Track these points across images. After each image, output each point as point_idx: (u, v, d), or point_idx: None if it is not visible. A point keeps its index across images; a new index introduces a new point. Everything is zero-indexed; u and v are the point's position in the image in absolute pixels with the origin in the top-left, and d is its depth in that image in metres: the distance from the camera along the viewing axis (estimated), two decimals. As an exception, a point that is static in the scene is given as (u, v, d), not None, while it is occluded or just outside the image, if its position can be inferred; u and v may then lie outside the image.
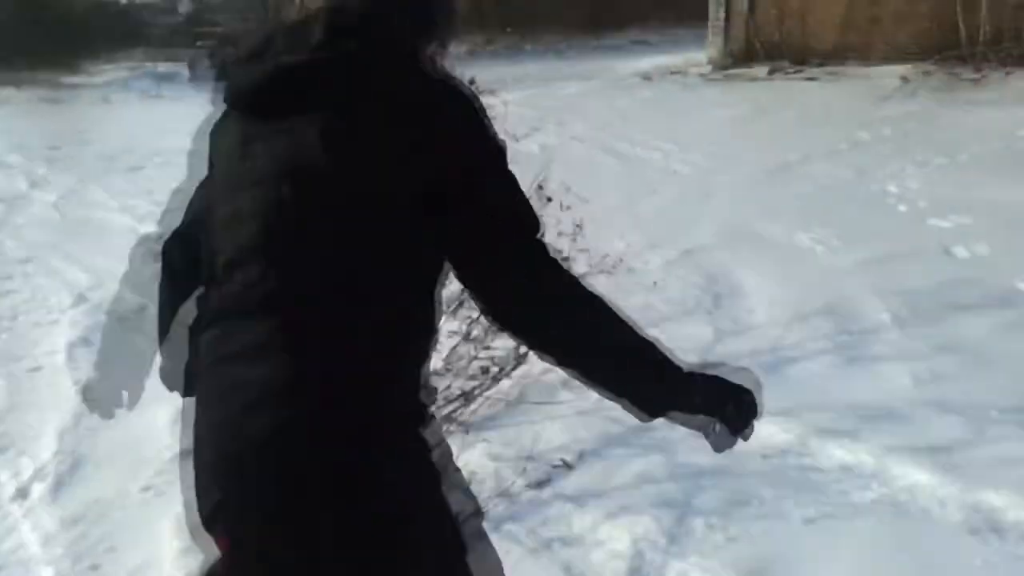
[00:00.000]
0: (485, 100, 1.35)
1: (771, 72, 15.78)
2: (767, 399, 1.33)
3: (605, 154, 9.02)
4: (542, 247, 1.28)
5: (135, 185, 8.59)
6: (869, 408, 3.14)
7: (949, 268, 4.72)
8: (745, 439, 1.32)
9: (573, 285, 1.27)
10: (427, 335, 1.30)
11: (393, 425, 1.22)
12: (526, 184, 1.63)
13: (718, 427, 1.29)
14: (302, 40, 1.27)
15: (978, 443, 2.91)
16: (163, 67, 22.25)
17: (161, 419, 3.35)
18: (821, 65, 15.62)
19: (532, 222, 1.29)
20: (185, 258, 1.47)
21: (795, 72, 15.47)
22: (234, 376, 1.20)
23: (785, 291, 4.40)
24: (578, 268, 5.05)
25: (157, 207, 7.52)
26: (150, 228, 6.66)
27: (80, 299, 5.06)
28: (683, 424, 1.32)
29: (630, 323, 1.27)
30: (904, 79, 12.27)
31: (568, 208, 6.75)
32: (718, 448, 1.33)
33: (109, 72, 21.64)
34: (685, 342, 3.72)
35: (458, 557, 1.25)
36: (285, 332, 1.18)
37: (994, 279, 4.43)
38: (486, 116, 1.31)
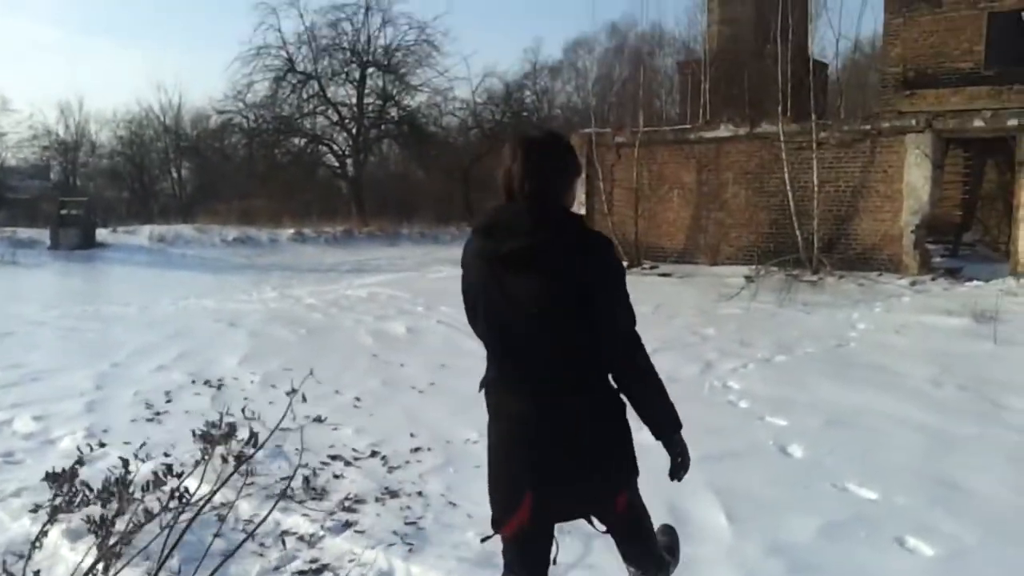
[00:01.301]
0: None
1: (628, 267, 16.69)
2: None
3: (468, 339, 9.12)
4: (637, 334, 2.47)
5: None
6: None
7: (783, 467, 4.89)
8: (679, 480, 2.59)
9: (648, 361, 2.49)
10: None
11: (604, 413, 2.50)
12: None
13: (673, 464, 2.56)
14: (518, 227, 2.33)
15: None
16: (24, 232, 21.44)
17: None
18: (674, 263, 16.69)
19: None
20: None
21: (650, 268, 16.43)
22: (511, 419, 2.47)
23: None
24: (431, 461, 4.94)
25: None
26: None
27: None
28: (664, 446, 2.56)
29: (664, 391, 2.51)
30: (748, 279, 13.20)
31: (424, 392, 6.75)
32: (671, 475, 2.59)
33: (-36, 235, 20.64)
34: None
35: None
36: (537, 391, 2.42)
37: (825, 480, 4.60)
38: (616, 249, 2.46)
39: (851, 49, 23.40)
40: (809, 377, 7.16)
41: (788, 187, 15.13)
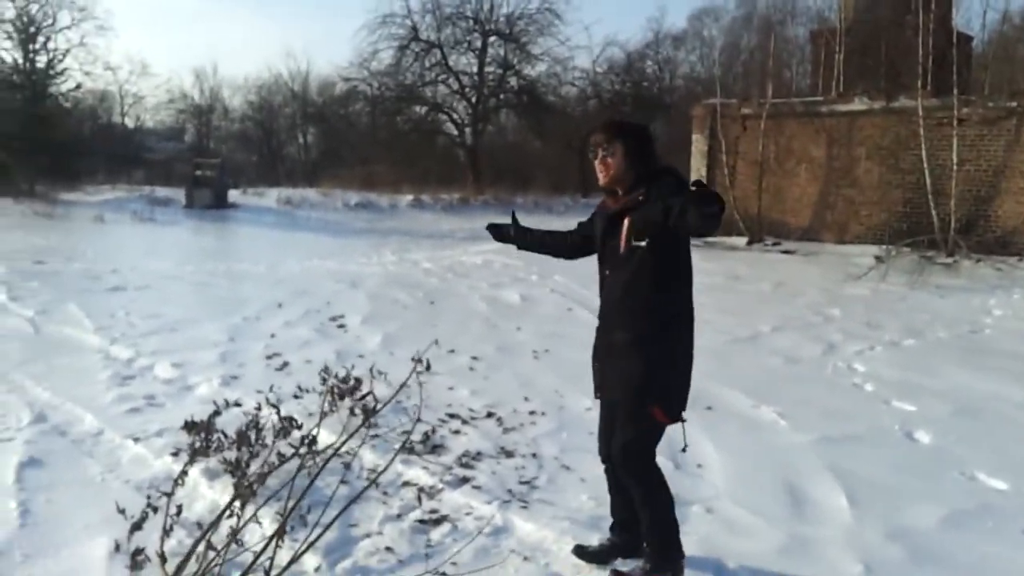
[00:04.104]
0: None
1: (749, 243, 16.29)
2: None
3: (580, 307, 9.12)
4: None
5: (114, 306, 8.57)
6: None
7: (909, 453, 4.71)
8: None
9: None
10: None
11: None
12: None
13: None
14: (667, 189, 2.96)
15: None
16: (160, 191, 22.70)
17: (99, 552, 3.24)
18: (798, 240, 16.14)
19: None
20: (571, 240, 3.60)
21: (773, 245, 15.95)
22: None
23: (743, 465, 4.36)
24: (545, 425, 5.01)
25: (131, 329, 7.50)
26: (122, 351, 6.62)
27: (39, 418, 4.92)
28: None
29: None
30: (878, 259, 12.63)
31: (538, 358, 6.81)
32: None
33: (107, 191, 22.02)
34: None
35: None
36: None
37: (953, 468, 4.41)
38: None
39: (999, 21, 21.86)
40: (940, 363, 6.84)
41: (925, 165, 14.37)
